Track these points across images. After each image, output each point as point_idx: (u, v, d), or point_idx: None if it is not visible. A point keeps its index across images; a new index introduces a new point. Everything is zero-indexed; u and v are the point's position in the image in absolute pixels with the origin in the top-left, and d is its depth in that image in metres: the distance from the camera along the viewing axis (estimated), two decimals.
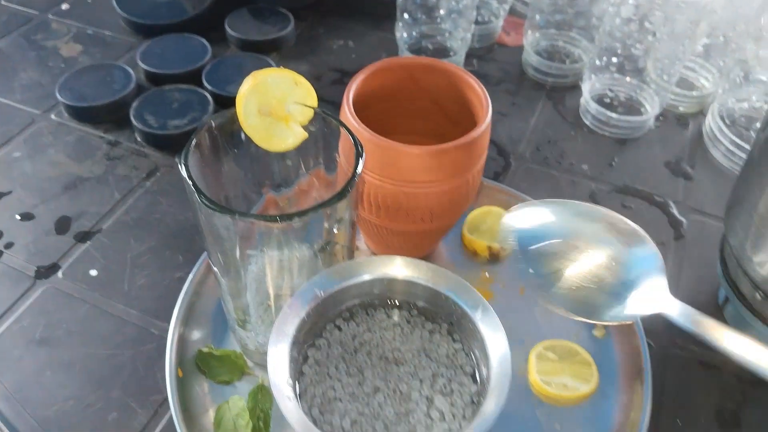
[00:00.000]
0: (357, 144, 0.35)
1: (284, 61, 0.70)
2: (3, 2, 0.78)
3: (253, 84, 0.36)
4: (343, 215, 0.35)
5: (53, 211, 0.54)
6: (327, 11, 0.77)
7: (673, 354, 0.46)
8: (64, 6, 0.78)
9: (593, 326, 0.47)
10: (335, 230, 0.36)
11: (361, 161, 0.35)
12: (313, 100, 0.37)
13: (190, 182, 0.33)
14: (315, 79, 0.68)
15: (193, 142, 0.35)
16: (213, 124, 0.37)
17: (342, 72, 0.69)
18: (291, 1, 0.75)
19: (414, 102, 0.48)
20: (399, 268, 0.36)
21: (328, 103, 0.64)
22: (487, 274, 0.50)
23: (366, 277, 0.36)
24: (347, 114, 0.41)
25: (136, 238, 0.52)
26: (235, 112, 0.36)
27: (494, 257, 0.51)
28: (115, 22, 0.75)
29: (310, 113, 0.37)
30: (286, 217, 0.32)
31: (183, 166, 0.34)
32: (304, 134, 0.37)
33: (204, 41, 0.69)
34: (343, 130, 0.37)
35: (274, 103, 0.37)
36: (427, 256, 0.51)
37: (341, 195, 0.33)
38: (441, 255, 0.51)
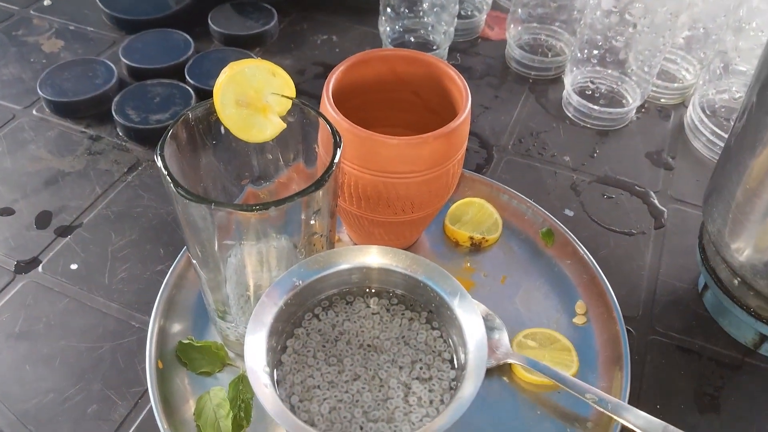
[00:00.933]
0: (335, 133, 0.36)
1: (268, 56, 0.70)
2: None
3: (230, 74, 0.36)
4: (322, 205, 0.35)
5: (34, 206, 0.54)
6: (310, 6, 0.77)
7: (652, 340, 0.47)
8: (46, 2, 0.78)
9: (573, 314, 0.47)
10: (313, 221, 0.36)
11: (338, 150, 0.35)
12: (291, 90, 0.37)
13: (165, 172, 0.33)
14: (298, 74, 0.68)
15: (170, 133, 0.35)
16: (190, 116, 0.37)
17: (325, 66, 0.69)
18: None
19: (395, 94, 0.48)
20: (377, 256, 0.37)
21: (312, 97, 0.64)
22: (468, 264, 0.50)
23: (344, 266, 0.36)
24: (326, 104, 0.41)
25: (117, 232, 0.52)
26: (213, 102, 0.36)
27: (476, 247, 0.51)
28: (97, 18, 0.75)
29: (288, 104, 0.37)
30: (263, 206, 0.32)
31: (159, 156, 0.34)
32: (282, 125, 0.37)
33: (187, 36, 0.69)
34: (321, 121, 0.37)
35: (252, 94, 0.37)
36: (409, 247, 0.51)
37: (318, 184, 0.33)
38: (423, 245, 0.51)
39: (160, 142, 0.34)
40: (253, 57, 0.67)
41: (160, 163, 0.33)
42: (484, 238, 0.50)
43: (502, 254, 0.51)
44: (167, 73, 0.65)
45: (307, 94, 0.65)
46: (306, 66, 0.69)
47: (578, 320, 0.47)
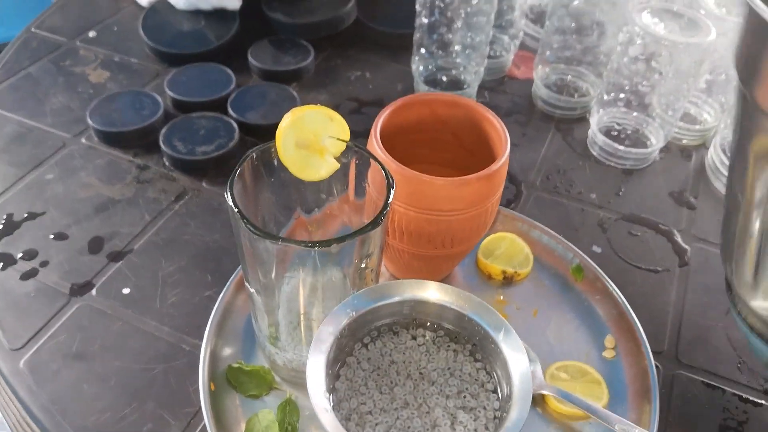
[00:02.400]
0: (388, 176, 0.38)
1: (304, 91, 0.73)
2: (33, 29, 0.82)
3: (292, 120, 0.39)
4: (375, 242, 0.38)
5: (86, 232, 0.57)
6: (344, 43, 0.81)
7: (678, 375, 0.49)
8: (92, 33, 0.82)
9: (603, 348, 0.49)
10: (365, 256, 0.39)
11: (392, 192, 0.38)
12: (345, 134, 0.40)
13: (236, 210, 0.36)
14: (334, 108, 0.71)
15: (237, 173, 0.38)
16: (254, 156, 0.40)
17: (359, 101, 0.73)
18: (310, 33, 0.78)
19: (435, 134, 0.50)
20: (427, 291, 0.39)
21: None
22: (501, 296, 0.52)
23: (396, 299, 0.39)
24: (375, 146, 0.44)
25: (166, 258, 0.55)
26: (274, 145, 0.39)
27: (508, 281, 0.53)
28: (140, 50, 0.79)
29: (342, 146, 0.40)
30: (325, 243, 0.35)
31: (229, 194, 0.36)
32: (337, 165, 0.40)
33: (228, 70, 0.72)
34: (373, 162, 0.40)
35: (311, 137, 0.40)
36: (443, 280, 0.53)
37: (374, 224, 0.36)
38: (457, 278, 0.54)
39: (229, 182, 0.37)
40: (291, 92, 0.70)
41: (230, 202, 0.36)
42: (516, 272, 0.53)
43: (533, 288, 0.53)
44: (210, 106, 0.68)
45: None
46: (341, 101, 0.73)
47: (607, 354, 0.49)
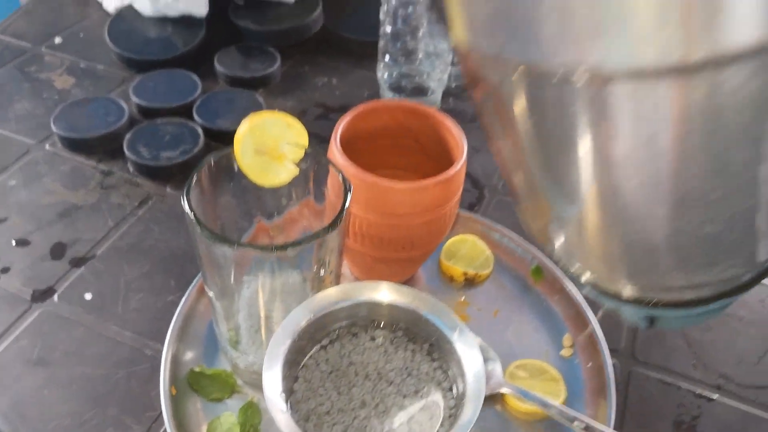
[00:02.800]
0: (345, 181, 0.39)
1: (271, 97, 0.73)
2: None
3: (249, 126, 0.39)
4: (332, 245, 0.39)
5: (48, 238, 0.57)
6: (311, 50, 0.81)
7: (634, 372, 0.50)
8: (57, 39, 0.81)
9: (561, 347, 0.50)
10: (324, 259, 0.40)
11: (349, 196, 0.38)
12: (304, 140, 0.41)
13: (192, 216, 0.36)
14: (300, 114, 0.72)
15: (194, 179, 0.38)
16: (212, 162, 0.40)
17: (326, 107, 0.73)
18: (277, 40, 0.79)
19: (397, 140, 0.51)
20: (384, 292, 0.40)
21: (313, 136, 0.67)
22: (463, 298, 0.53)
23: (353, 301, 0.39)
24: (335, 151, 0.45)
25: (129, 264, 0.55)
26: (232, 151, 0.40)
27: (469, 282, 0.54)
28: (107, 56, 0.78)
29: (301, 152, 0.41)
30: (282, 247, 0.36)
31: (185, 200, 0.37)
32: (296, 170, 0.41)
33: (194, 77, 0.72)
34: (331, 167, 0.41)
35: (270, 143, 0.40)
36: (407, 282, 0.54)
37: (331, 227, 0.37)
38: (420, 280, 0.54)
39: (185, 188, 0.37)
40: (257, 98, 0.70)
41: (186, 207, 0.36)
42: (477, 273, 0.54)
43: (494, 289, 0.54)
44: (176, 112, 0.68)
45: (309, 134, 0.69)
46: (307, 107, 0.73)
47: (565, 352, 0.50)
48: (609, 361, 0.48)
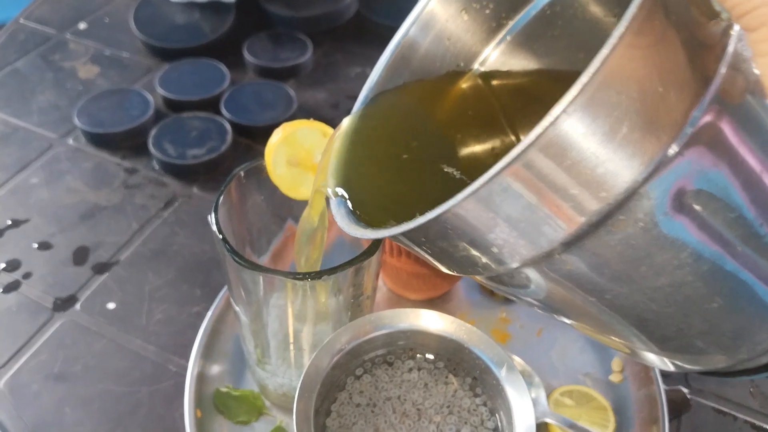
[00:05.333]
0: None
1: (302, 88, 0.70)
2: (21, 20, 0.79)
3: (282, 136, 0.36)
4: (370, 270, 0.36)
5: (71, 241, 0.55)
6: (344, 37, 0.77)
7: (689, 401, 0.46)
8: (82, 25, 0.79)
9: (609, 371, 0.47)
10: (361, 283, 0.36)
11: None
12: None
13: (221, 237, 0.33)
14: (332, 107, 0.68)
15: (223, 195, 0.35)
16: (242, 175, 0.37)
17: None
18: (309, 26, 0.75)
19: None
20: (424, 320, 0.37)
21: None
22: (504, 314, 0.50)
23: (390, 329, 0.36)
24: None
25: (153, 271, 0.52)
26: (263, 162, 0.37)
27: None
28: (132, 44, 0.76)
29: None
30: (316, 275, 0.33)
31: (213, 221, 0.34)
32: None
33: (222, 67, 0.69)
34: None
35: (303, 154, 0.37)
36: (444, 296, 0.51)
37: (369, 253, 0.33)
38: (459, 295, 0.51)
39: (213, 207, 0.35)
40: (288, 90, 0.67)
41: (214, 228, 0.34)
42: None
43: None
44: (203, 106, 0.65)
45: None
46: (340, 99, 0.70)
47: (614, 378, 0.46)
48: (662, 388, 0.45)
